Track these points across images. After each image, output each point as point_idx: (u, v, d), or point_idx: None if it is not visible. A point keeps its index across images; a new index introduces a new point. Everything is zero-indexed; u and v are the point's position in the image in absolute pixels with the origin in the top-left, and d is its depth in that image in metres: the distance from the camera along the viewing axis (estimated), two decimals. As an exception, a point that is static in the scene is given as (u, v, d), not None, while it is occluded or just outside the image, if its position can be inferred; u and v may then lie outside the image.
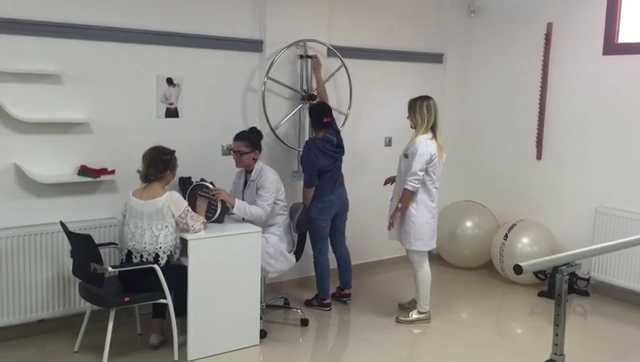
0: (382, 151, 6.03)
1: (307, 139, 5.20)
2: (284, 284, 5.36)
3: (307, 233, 4.91)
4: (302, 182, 5.09)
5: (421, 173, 4.61)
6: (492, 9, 6.38)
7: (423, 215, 4.73)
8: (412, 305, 5.05)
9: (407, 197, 4.67)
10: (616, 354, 4.45)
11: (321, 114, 4.96)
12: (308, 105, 5.21)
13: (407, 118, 4.79)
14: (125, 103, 4.61)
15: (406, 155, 4.74)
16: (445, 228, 6.25)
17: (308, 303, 5.13)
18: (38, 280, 4.29)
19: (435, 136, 4.70)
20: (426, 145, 4.62)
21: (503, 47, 6.31)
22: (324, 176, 4.93)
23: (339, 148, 5.03)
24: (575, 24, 5.69)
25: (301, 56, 5.30)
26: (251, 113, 5.22)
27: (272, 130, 5.15)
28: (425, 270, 4.88)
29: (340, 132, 5.13)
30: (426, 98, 4.74)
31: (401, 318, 4.91)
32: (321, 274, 5.05)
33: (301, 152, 5.08)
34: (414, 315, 4.91)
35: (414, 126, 4.75)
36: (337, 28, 5.60)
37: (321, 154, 4.88)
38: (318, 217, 4.95)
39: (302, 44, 5.26)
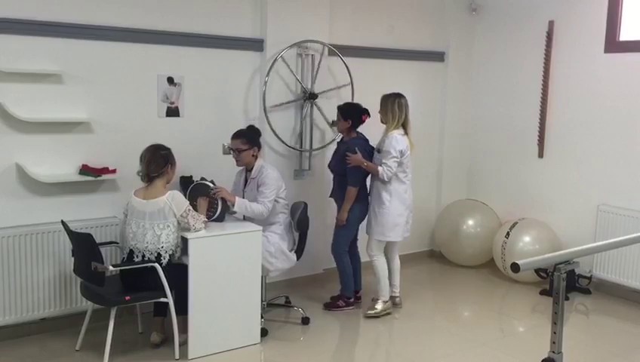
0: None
1: (340, 138, 5.12)
2: (285, 283, 5.36)
3: (307, 232, 4.90)
4: (302, 181, 5.09)
5: (395, 166, 4.74)
6: (493, 7, 6.37)
7: (396, 207, 4.83)
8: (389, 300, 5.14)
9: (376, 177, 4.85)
10: (618, 352, 4.44)
11: (361, 112, 4.92)
12: (338, 105, 5.08)
13: (379, 112, 4.88)
14: (126, 103, 4.63)
15: (379, 150, 4.85)
16: (447, 226, 6.26)
17: (332, 306, 5.08)
18: (40, 279, 4.31)
19: (406, 133, 4.84)
20: (397, 141, 4.75)
21: (505, 46, 6.30)
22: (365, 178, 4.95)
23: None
24: (577, 22, 5.68)
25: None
26: (252, 112, 5.23)
27: (272, 129, 5.16)
28: (381, 260, 4.95)
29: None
30: (398, 95, 4.84)
31: (369, 312, 4.94)
32: (349, 273, 5.05)
33: (340, 149, 4.96)
34: (379, 306, 4.95)
35: (385, 122, 4.86)
36: (338, 27, 5.60)
37: (366, 154, 4.87)
38: (359, 218, 4.97)
39: (304, 45, 5.27)
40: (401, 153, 4.76)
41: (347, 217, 4.90)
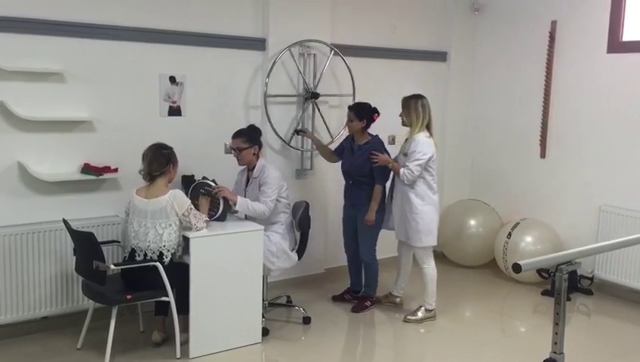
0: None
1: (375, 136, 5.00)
2: (286, 282, 5.36)
3: (309, 231, 4.89)
4: (304, 181, 5.05)
5: (418, 170, 4.66)
6: (496, 7, 6.36)
7: (429, 211, 4.78)
8: (387, 298, 5.15)
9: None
10: (620, 353, 4.43)
11: (372, 111, 4.87)
12: (349, 106, 5.03)
13: (400, 115, 4.82)
14: (128, 102, 4.63)
15: (405, 154, 4.77)
16: (449, 226, 6.24)
17: (360, 308, 5.03)
18: (41, 277, 4.31)
19: (431, 135, 4.78)
20: (424, 145, 4.68)
21: (507, 46, 6.29)
22: None
23: None
24: (579, 22, 5.67)
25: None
26: (254, 112, 5.22)
27: (273, 129, 5.16)
28: (432, 266, 4.90)
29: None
30: (420, 96, 4.79)
31: (409, 317, 4.89)
32: (377, 275, 5.05)
33: (361, 150, 4.90)
34: (421, 314, 4.90)
35: (409, 124, 4.79)
36: (340, 26, 5.59)
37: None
38: (382, 217, 4.94)
39: (306, 44, 5.26)
40: (431, 157, 4.69)
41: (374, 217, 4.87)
